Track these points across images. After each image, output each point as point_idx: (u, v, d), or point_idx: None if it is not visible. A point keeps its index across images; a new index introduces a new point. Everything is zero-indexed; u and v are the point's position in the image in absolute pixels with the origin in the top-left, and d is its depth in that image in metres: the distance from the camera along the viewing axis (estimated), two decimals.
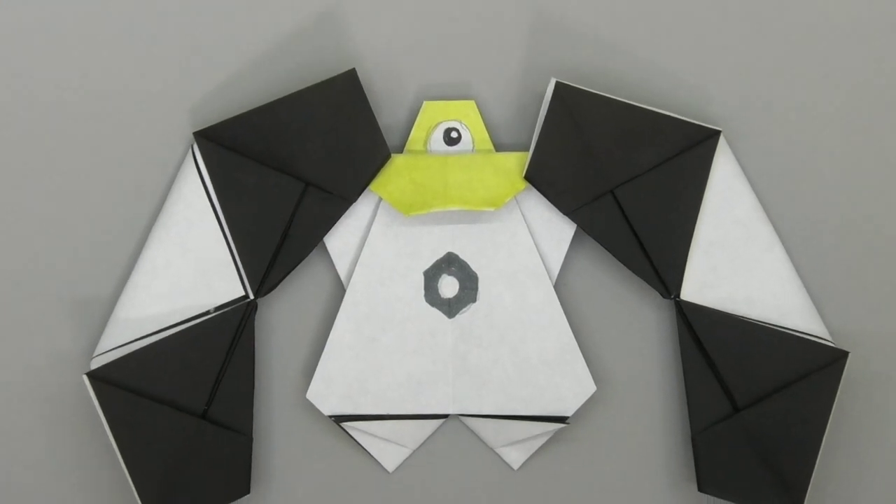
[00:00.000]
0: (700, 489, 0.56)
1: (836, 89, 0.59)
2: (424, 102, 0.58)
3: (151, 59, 0.58)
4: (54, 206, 0.59)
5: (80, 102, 0.59)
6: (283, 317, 0.59)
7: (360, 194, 0.57)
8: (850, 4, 0.59)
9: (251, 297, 0.57)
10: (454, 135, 0.58)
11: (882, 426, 0.60)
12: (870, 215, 0.60)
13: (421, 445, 0.59)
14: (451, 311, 0.58)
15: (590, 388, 0.57)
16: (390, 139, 0.58)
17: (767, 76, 0.59)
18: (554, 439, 0.58)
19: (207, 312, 0.56)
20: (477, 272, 0.58)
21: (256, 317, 0.57)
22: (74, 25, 0.59)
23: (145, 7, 0.58)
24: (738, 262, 0.57)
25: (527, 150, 0.57)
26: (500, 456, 0.59)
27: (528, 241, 0.58)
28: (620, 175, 0.57)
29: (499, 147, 0.58)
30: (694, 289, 0.57)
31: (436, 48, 0.59)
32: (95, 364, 0.56)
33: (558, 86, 0.56)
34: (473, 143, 0.58)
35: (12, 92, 0.59)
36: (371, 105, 0.56)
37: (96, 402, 0.54)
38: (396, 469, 0.59)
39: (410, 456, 0.59)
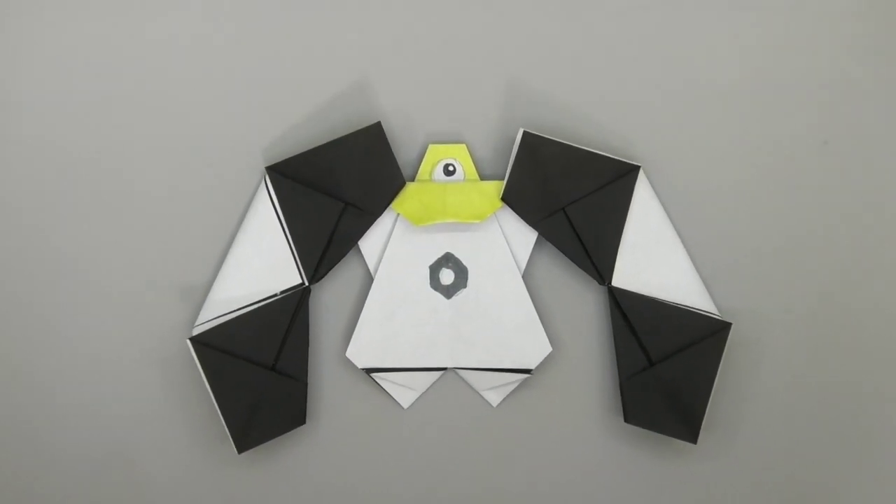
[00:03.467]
0: (626, 421, 0.62)
1: (721, 135, 0.64)
2: (429, 145, 0.63)
3: (236, 115, 0.63)
4: (170, 221, 0.64)
5: (192, 146, 0.63)
6: (329, 298, 0.64)
7: (383, 211, 0.62)
8: (737, 74, 0.64)
9: (306, 284, 0.62)
10: (451, 168, 0.63)
11: (753, 375, 0.65)
12: (748, 226, 0.64)
13: (427, 389, 0.64)
14: (448, 294, 0.63)
15: (547, 348, 0.63)
16: (405, 171, 0.63)
17: (673, 129, 0.64)
18: (521, 385, 0.64)
19: (275, 295, 0.62)
20: (467, 266, 0.63)
21: (310, 298, 0.63)
22: (185, 93, 0.63)
23: (231, 81, 0.63)
24: (653, 259, 0.63)
25: (503, 179, 0.62)
26: (483, 397, 0.65)
27: (503, 244, 0.63)
28: (569, 197, 0.62)
29: (483, 177, 0.63)
30: (621, 278, 0.62)
31: (438, 107, 0.63)
32: (196, 332, 0.61)
33: (525, 134, 0.61)
34: (465, 174, 0.63)
35: (138, 140, 0.63)
36: (391, 147, 0.61)
37: (196, 359, 0.60)
38: (409, 406, 0.65)
39: (419, 397, 0.64)
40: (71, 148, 0.64)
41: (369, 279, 0.64)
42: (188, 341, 0.60)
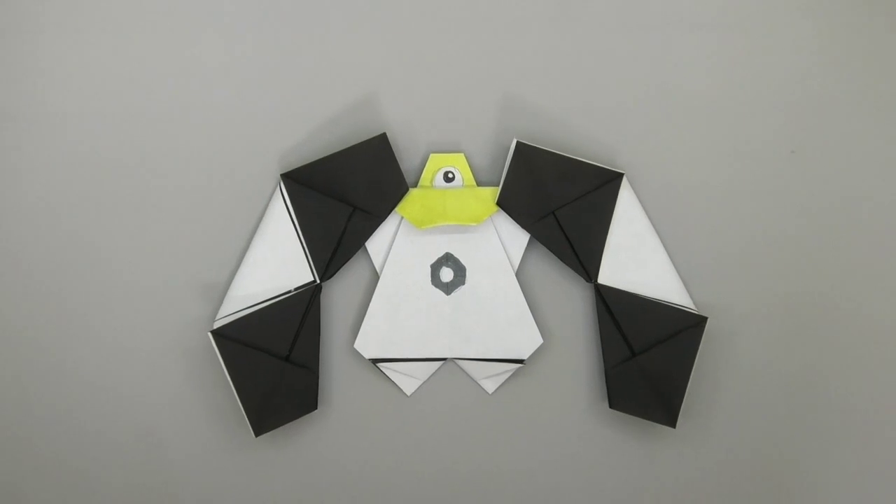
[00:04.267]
0: (611, 407, 0.64)
1: (699, 146, 0.65)
2: (431, 154, 0.64)
3: (254, 127, 0.64)
4: (193, 224, 0.65)
5: (213, 156, 0.64)
6: (339, 294, 0.65)
7: (388, 214, 0.64)
8: (713, 91, 0.65)
9: (318, 281, 0.63)
10: (450, 176, 0.64)
11: (727, 365, 0.66)
12: (723, 228, 0.66)
13: (428, 378, 0.66)
14: (448, 290, 0.64)
15: (538, 340, 0.64)
16: (408, 178, 0.64)
17: (654, 139, 0.65)
18: (515, 374, 0.66)
19: (289, 292, 0.63)
20: (465, 265, 0.64)
21: (321, 295, 0.64)
22: (209, 111, 0.64)
23: (249, 96, 0.64)
24: (636, 259, 0.64)
25: (498, 185, 0.64)
26: (479, 385, 0.66)
27: (498, 245, 0.64)
28: (558, 202, 0.63)
29: (480, 183, 0.65)
30: (607, 276, 0.64)
31: (438, 119, 0.65)
32: (217, 325, 0.63)
33: (518, 144, 0.63)
34: (463, 181, 0.64)
35: (165, 150, 0.64)
36: (396, 156, 0.63)
37: (217, 350, 0.61)
38: (412, 393, 0.66)
39: (421, 385, 0.66)
40: (104, 156, 0.65)
41: (375, 277, 0.65)
42: (209, 334, 0.62)
